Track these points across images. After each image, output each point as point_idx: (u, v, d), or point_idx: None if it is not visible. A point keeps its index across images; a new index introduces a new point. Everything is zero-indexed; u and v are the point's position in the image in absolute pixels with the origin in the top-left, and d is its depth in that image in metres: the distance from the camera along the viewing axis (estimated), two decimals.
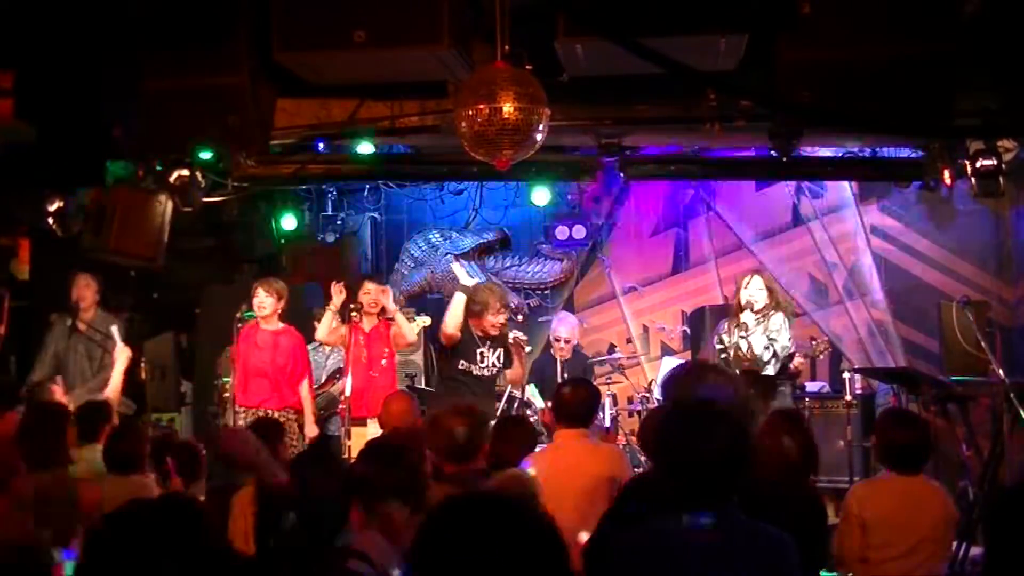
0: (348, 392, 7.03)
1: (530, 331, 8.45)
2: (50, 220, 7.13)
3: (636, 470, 5.35)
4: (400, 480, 3.35)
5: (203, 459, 5.63)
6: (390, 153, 8.74)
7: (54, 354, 7.68)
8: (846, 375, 8.08)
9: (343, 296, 7.57)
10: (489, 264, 10.27)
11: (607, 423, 7.70)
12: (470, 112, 4.69)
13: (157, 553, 2.02)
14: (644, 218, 10.11)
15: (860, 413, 8.19)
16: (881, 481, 4.77)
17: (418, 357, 9.19)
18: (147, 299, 9.44)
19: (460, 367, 7.23)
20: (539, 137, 4.78)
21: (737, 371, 7.30)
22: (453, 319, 7.18)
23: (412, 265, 10.36)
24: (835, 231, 9.68)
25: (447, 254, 10.22)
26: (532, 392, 7.36)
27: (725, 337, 7.54)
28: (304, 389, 7.61)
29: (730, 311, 7.77)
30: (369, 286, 7.58)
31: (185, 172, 7.19)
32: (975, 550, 5.78)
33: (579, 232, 9.57)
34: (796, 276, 9.77)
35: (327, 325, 7.54)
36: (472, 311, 7.21)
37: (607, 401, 7.75)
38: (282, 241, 10.14)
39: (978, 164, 6.85)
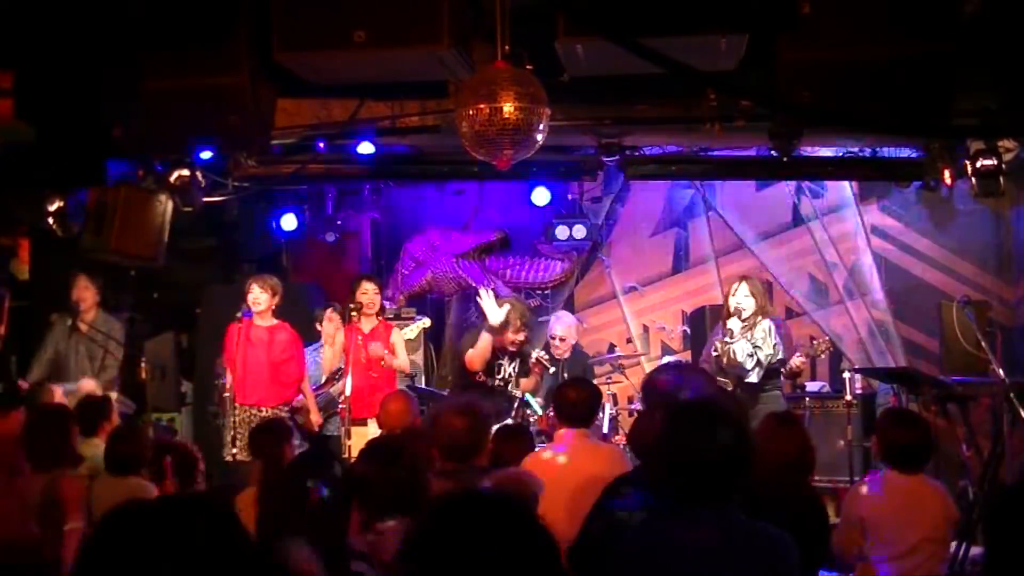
0: (348, 392, 7.02)
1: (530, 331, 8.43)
2: (50, 220, 7.14)
3: None
4: (399, 480, 3.36)
5: (199, 463, 5.64)
6: (390, 153, 8.73)
7: (54, 354, 7.69)
8: (846, 375, 8.08)
9: (337, 326, 7.60)
10: (490, 264, 10.27)
11: (605, 426, 7.69)
12: (471, 112, 4.70)
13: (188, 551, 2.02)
14: (644, 218, 10.10)
15: (860, 413, 8.19)
16: (882, 480, 4.77)
17: (418, 357, 9.18)
18: (147, 299, 9.44)
19: (477, 379, 7.29)
20: (539, 137, 4.78)
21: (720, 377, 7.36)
22: (480, 356, 7.28)
23: (412, 265, 10.35)
24: (835, 231, 9.67)
25: (448, 254, 10.22)
26: (529, 398, 7.36)
27: (718, 343, 7.57)
28: (305, 386, 7.62)
29: (723, 316, 7.79)
30: (367, 286, 7.58)
31: (185, 172, 7.20)
32: (975, 550, 5.79)
33: (579, 232, 9.56)
34: (796, 276, 9.76)
35: (328, 360, 7.56)
36: (493, 330, 7.29)
37: (607, 401, 7.76)
38: (282, 241, 10.14)
39: (978, 164, 6.86)
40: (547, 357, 7.23)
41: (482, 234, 10.22)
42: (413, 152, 8.59)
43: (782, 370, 7.58)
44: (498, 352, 7.34)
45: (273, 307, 7.58)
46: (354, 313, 7.40)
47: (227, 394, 7.31)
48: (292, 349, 7.61)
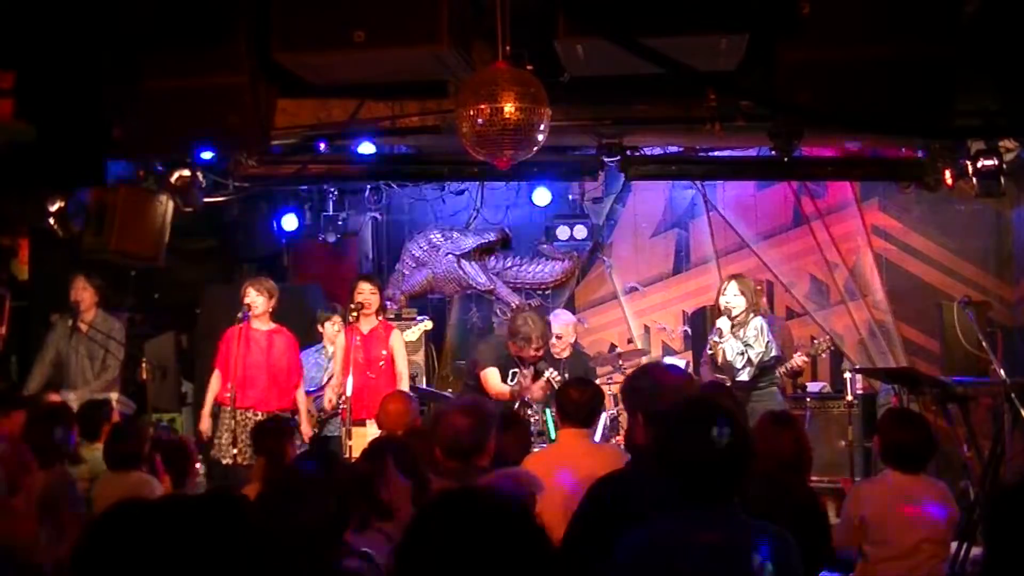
0: (349, 392, 7.02)
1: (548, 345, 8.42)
2: (50, 220, 7.14)
3: None
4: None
5: (193, 459, 5.64)
6: (391, 153, 8.73)
7: (55, 355, 7.70)
8: (847, 375, 8.09)
9: (340, 331, 7.64)
10: (490, 264, 10.27)
11: (600, 429, 7.68)
12: (471, 112, 4.69)
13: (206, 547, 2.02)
14: (645, 218, 10.10)
15: (861, 413, 8.19)
16: (882, 480, 4.77)
17: (419, 357, 9.19)
18: (147, 299, 9.44)
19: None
20: (540, 137, 4.78)
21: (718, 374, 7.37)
22: (495, 389, 7.36)
23: (413, 265, 10.35)
24: (836, 231, 9.68)
25: (448, 254, 10.22)
26: (548, 416, 7.39)
27: (711, 342, 7.58)
28: (301, 393, 7.64)
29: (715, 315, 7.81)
30: (363, 286, 7.56)
31: (185, 172, 7.20)
32: (975, 550, 5.78)
33: (580, 232, 9.56)
34: (797, 276, 9.77)
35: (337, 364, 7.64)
36: (514, 340, 7.35)
37: (607, 401, 7.75)
38: (282, 241, 10.14)
39: (979, 164, 6.86)
40: (558, 378, 7.23)
41: (483, 234, 10.23)
42: (413, 152, 8.59)
43: (782, 369, 7.57)
44: (515, 361, 7.42)
45: (270, 310, 7.58)
46: (354, 314, 7.39)
47: (227, 394, 7.30)
48: (290, 354, 7.61)
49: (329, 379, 8.04)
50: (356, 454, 6.19)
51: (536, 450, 5.83)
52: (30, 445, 4.90)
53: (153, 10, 4.82)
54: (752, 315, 7.46)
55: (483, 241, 10.23)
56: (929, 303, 9.01)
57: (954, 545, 5.31)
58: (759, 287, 8.37)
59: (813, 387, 8.93)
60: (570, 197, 9.82)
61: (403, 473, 3.69)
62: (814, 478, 7.47)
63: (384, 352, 7.50)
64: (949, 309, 8.00)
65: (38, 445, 4.92)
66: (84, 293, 7.66)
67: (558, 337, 7.93)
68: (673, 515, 2.84)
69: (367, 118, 6.62)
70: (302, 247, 10.33)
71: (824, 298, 9.71)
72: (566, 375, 7.35)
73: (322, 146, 7.54)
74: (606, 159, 7.86)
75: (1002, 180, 6.96)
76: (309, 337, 8.39)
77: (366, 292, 7.50)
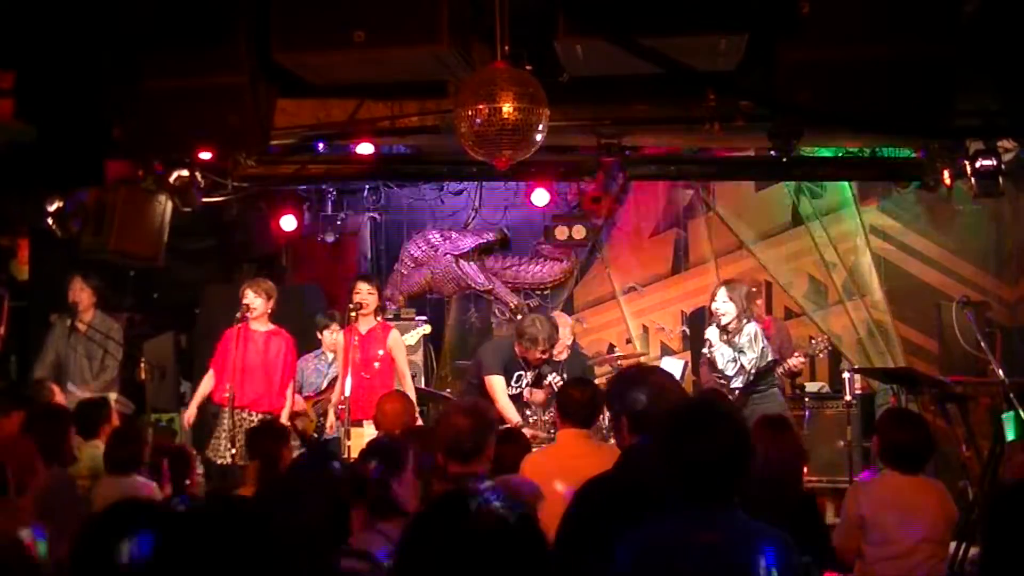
0: (347, 392, 7.02)
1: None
2: (50, 220, 7.14)
3: None
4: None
5: (193, 465, 5.65)
6: (390, 153, 8.73)
7: (55, 355, 7.69)
8: (846, 375, 8.08)
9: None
10: (489, 264, 10.28)
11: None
12: (470, 112, 4.69)
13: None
14: (644, 218, 10.10)
15: (860, 413, 8.18)
16: (882, 480, 4.77)
17: (418, 357, 9.18)
18: (147, 299, 9.44)
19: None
20: (539, 137, 4.78)
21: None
22: (502, 402, 7.30)
23: (412, 265, 10.35)
24: (835, 231, 9.68)
25: (447, 254, 10.22)
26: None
27: (704, 350, 7.54)
28: (290, 392, 7.62)
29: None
30: (361, 286, 7.56)
31: (185, 172, 7.20)
32: (975, 550, 5.79)
33: (579, 232, 9.54)
34: (795, 276, 9.77)
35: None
36: (521, 341, 7.34)
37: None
38: (281, 241, 10.14)
39: (978, 164, 6.87)
40: (560, 383, 7.24)
41: (482, 234, 10.23)
42: (413, 152, 8.59)
43: (780, 370, 7.56)
44: (521, 363, 7.42)
45: (269, 311, 7.58)
46: (353, 314, 7.40)
47: (227, 394, 7.30)
48: (285, 355, 7.60)
49: (330, 384, 8.03)
50: (355, 454, 6.19)
51: (536, 450, 5.82)
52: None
53: (153, 10, 4.82)
54: (745, 321, 7.38)
55: (482, 241, 10.23)
56: (928, 303, 9.02)
57: (953, 545, 5.31)
58: (755, 288, 8.32)
59: (811, 387, 8.93)
60: (569, 197, 9.82)
61: (415, 471, 3.70)
62: (813, 478, 7.51)
63: (380, 352, 7.49)
64: (948, 309, 8.00)
65: (38, 444, 4.92)
66: (82, 293, 7.66)
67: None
68: (673, 515, 2.85)
69: (366, 118, 6.62)
70: (301, 247, 10.32)
71: (822, 298, 9.71)
72: (565, 375, 7.36)
73: (321, 146, 7.55)
74: (605, 159, 7.85)
75: (1001, 180, 6.96)
76: (308, 337, 8.39)
77: (363, 292, 7.49)
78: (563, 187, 9.65)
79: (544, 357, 7.37)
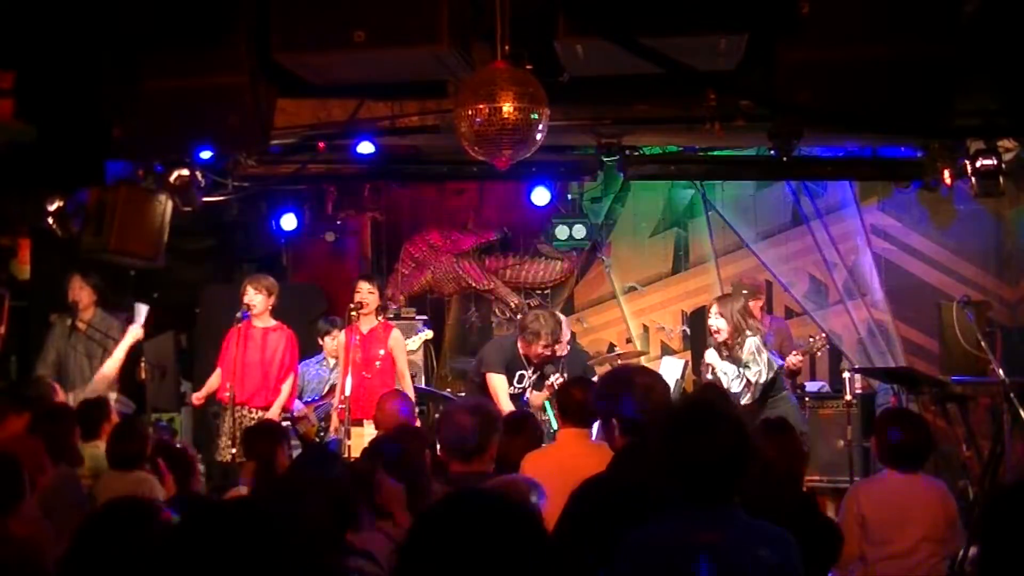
0: (348, 392, 7.02)
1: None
2: (50, 220, 7.14)
3: None
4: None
5: (195, 464, 5.65)
6: (390, 153, 8.73)
7: (55, 354, 7.69)
8: (846, 375, 8.07)
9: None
10: (489, 264, 10.28)
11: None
12: (470, 112, 4.69)
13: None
14: (644, 218, 10.11)
15: (860, 413, 8.17)
16: (881, 480, 4.77)
17: (418, 357, 9.19)
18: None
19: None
20: (539, 137, 4.78)
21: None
22: (503, 400, 7.31)
23: (412, 265, 10.36)
24: (835, 231, 9.68)
25: (447, 254, 10.23)
26: (547, 405, 7.39)
27: (709, 375, 7.31)
28: (286, 386, 7.60)
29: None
30: (362, 285, 7.56)
31: (185, 172, 7.20)
32: (975, 550, 5.78)
33: (579, 232, 9.56)
34: (796, 276, 9.77)
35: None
36: (524, 336, 7.36)
37: None
38: (281, 241, 10.14)
39: (978, 164, 6.87)
40: (562, 382, 7.22)
41: (482, 234, 10.23)
42: (413, 152, 8.59)
43: (778, 371, 7.53)
44: (524, 362, 7.43)
45: (270, 307, 7.58)
46: (353, 314, 7.40)
47: (227, 394, 7.32)
48: (282, 350, 7.59)
49: (331, 390, 8.03)
50: (356, 454, 6.20)
51: (535, 450, 5.82)
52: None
53: (153, 10, 4.82)
54: (745, 335, 7.14)
55: (482, 241, 10.23)
56: (928, 303, 9.01)
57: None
58: (752, 303, 8.15)
59: (812, 386, 8.92)
60: (569, 197, 9.82)
61: (395, 477, 3.69)
62: (813, 478, 7.51)
63: (381, 352, 7.50)
64: (948, 309, 7.99)
65: (46, 444, 4.94)
66: (82, 292, 7.66)
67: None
68: (673, 515, 2.85)
69: (367, 118, 6.62)
70: (301, 247, 10.32)
71: (823, 298, 9.71)
72: (565, 374, 7.36)
73: (321, 146, 7.54)
74: (605, 159, 7.86)
75: (1001, 180, 6.96)
76: (307, 338, 8.39)
77: (364, 292, 7.50)
78: (563, 187, 9.65)
79: (547, 353, 7.36)
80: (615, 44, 4.44)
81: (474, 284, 10.26)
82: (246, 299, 7.49)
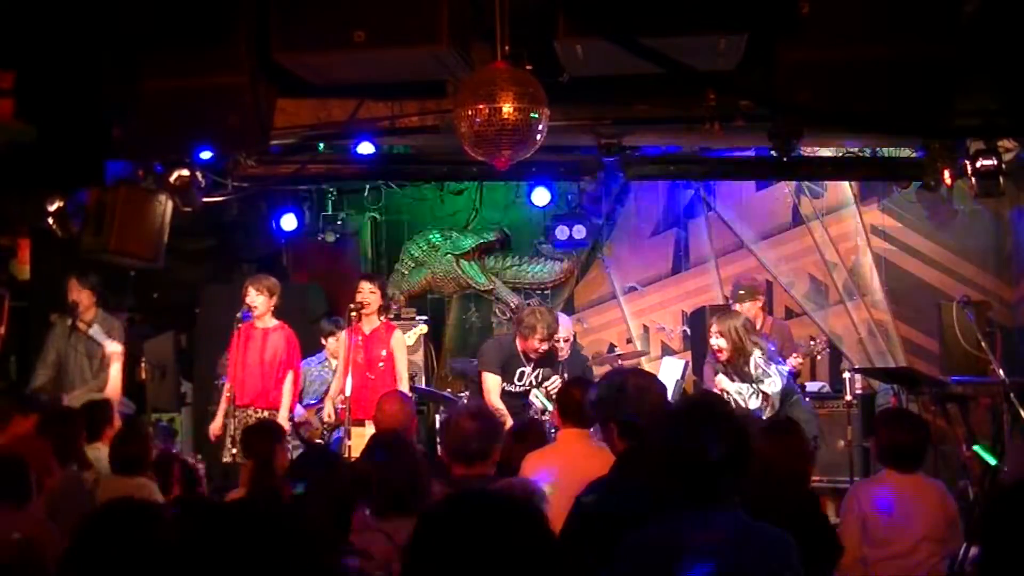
0: (348, 392, 7.02)
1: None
2: (50, 220, 7.14)
3: None
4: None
5: (200, 476, 5.67)
6: (390, 153, 8.73)
7: (55, 354, 7.69)
8: (846, 375, 8.08)
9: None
10: (489, 264, 10.28)
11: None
12: (469, 112, 4.69)
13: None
14: (644, 218, 10.11)
15: (860, 413, 8.18)
16: (881, 480, 4.77)
17: (418, 357, 9.19)
18: (147, 299, 9.44)
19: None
20: (539, 137, 4.78)
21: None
22: (495, 395, 7.33)
23: (412, 265, 10.36)
24: (835, 231, 9.68)
25: (447, 254, 10.23)
26: (536, 395, 7.39)
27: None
28: (287, 384, 7.58)
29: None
30: (363, 285, 7.55)
31: (185, 172, 7.19)
32: (975, 550, 5.78)
33: (579, 232, 9.56)
34: (796, 276, 9.77)
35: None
36: (520, 331, 7.36)
37: None
38: (282, 241, 10.14)
39: (978, 164, 6.86)
40: (562, 384, 7.21)
41: (481, 234, 10.23)
42: (413, 152, 8.59)
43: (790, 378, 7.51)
44: (523, 359, 7.43)
45: (272, 308, 7.58)
46: (354, 314, 7.39)
47: (227, 394, 7.33)
48: (283, 351, 7.58)
49: (328, 390, 8.03)
50: (356, 454, 6.19)
51: (536, 451, 5.82)
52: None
53: (153, 10, 4.82)
54: (750, 353, 7.08)
55: (482, 241, 10.24)
56: (928, 303, 9.01)
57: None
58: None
59: (812, 387, 8.92)
60: (569, 197, 9.82)
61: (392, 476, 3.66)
62: (813, 478, 7.48)
63: (384, 352, 7.49)
64: (948, 309, 8.00)
65: (53, 446, 4.95)
66: (80, 294, 7.65)
67: (565, 340, 7.91)
68: (674, 516, 2.85)
69: (366, 118, 6.62)
70: (301, 247, 10.32)
71: (823, 298, 9.71)
72: (565, 375, 7.36)
73: (321, 146, 7.54)
74: (605, 159, 7.86)
75: (1001, 180, 6.96)
76: (308, 338, 8.38)
77: (365, 291, 7.49)
78: (563, 187, 9.66)
79: (544, 348, 7.34)
80: (615, 44, 4.45)
81: (473, 284, 10.26)
82: (248, 300, 7.48)
